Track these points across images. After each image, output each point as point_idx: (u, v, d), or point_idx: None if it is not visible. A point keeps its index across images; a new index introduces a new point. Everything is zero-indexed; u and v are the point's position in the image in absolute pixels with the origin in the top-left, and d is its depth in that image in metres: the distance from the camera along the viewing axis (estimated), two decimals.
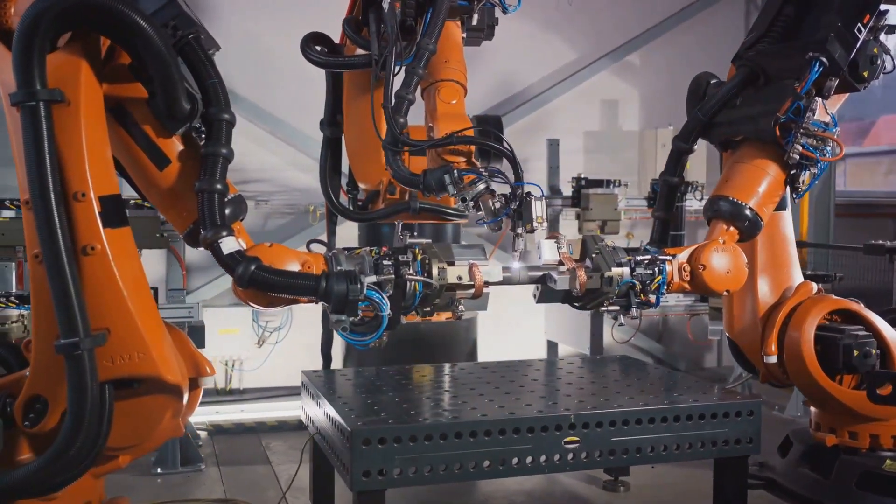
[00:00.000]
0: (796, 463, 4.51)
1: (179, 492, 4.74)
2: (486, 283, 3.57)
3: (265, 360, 6.82)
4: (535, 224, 3.50)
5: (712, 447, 3.63)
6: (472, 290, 3.50)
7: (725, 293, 3.87)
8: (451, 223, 5.53)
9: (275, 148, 6.94)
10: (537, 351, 6.83)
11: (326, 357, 5.63)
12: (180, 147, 3.20)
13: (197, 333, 5.33)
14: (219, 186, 3.10)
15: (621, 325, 3.90)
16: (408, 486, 3.94)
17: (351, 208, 5.36)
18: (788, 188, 4.14)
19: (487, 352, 6.38)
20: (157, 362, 2.97)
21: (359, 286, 3.10)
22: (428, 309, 3.54)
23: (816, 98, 3.86)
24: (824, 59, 3.74)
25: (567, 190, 6.64)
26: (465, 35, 4.31)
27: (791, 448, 4.58)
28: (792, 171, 4.00)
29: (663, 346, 7.99)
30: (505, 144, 3.65)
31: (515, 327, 7.04)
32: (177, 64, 2.97)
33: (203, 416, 6.27)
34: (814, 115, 3.85)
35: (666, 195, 4.41)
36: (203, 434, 5.92)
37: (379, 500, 3.26)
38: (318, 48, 4.51)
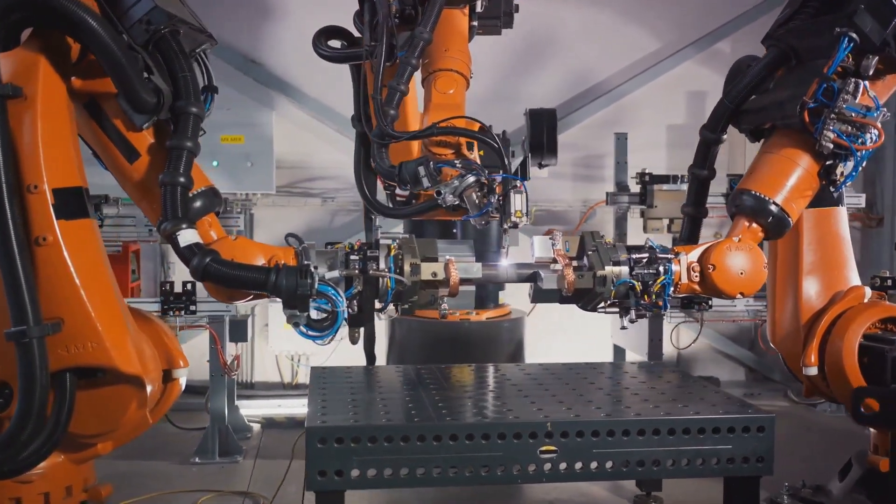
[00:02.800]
0: (853, 488, 4.07)
1: (208, 481, 4.82)
2: (465, 281, 3.42)
3: (330, 356, 6.85)
4: (513, 218, 3.32)
5: (714, 465, 3.30)
6: (448, 288, 3.35)
7: (739, 296, 3.51)
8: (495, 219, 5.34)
9: (342, 145, 6.95)
10: (603, 356, 6.51)
11: (370, 355, 5.59)
12: (151, 140, 3.24)
13: (239, 327, 5.44)
14: (181, 179, 3.12)
15: (623, 328, 3.59)
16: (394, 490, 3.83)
17: (390, 205, 5.30)
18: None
19: (550, 354, 6.17)
20: (111, 352, 3.00)
21: (309, 281, 3.02)
22: (406, 306, 3.42)
23: (854, 80, 3.44)
24: (853, 35, 3.32)
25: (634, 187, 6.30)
26: (475, 23, 4.16)
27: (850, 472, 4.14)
28: (827, 163, 3.58)
29: (755, 355, 7.44)
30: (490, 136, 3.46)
31: (583, 330, 6.74)
32: (130, 58, 2.99)
33: (263, 409, 6.40)
34: (853, 98, 3.44)
35: (695, 190, 4.08)
36: (256, 427, 6.02)
37: (337, 501, 3.16)
38: (340, 43, 4.48)
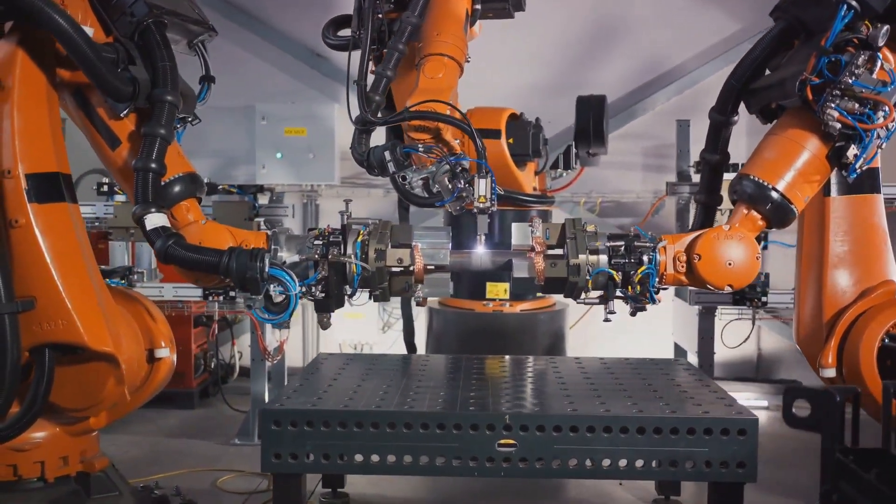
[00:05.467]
0: None
1: (240, 462, 4.96)
2: (433, 268, 3.35)
3: (392, 346, 6.93)
4: (477, 204, 3.22)
5: (689, 469, 3.08)
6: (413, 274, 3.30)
7: (728, 289, 3.26)
8: (535, 209, 5.21)
9: None
10: (662, 354, 6.21)
11: (409, 345, 5.60)
12: (131, 128, 3.37)
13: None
14: (153, 166, 3.22)
15: (606, 320, 3.41)
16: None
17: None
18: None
19: (614, 351, 5.94)
20: (80, 330, 3.14)
21: (258, 265, 3.05)
22: (378, 293, 3.39)
23: (868, 52, 3.11)
24: (852, 2, 3.01)
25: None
26: (478, 7, 4.07)
27: None
28: (836, 144, 3.26)
29: None
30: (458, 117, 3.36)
31: (649, 329, 6.45)
32: (96, 48, 3.10)
33: None
34: (868, 72, 3.12)
35: (708, 176, 3.82)
36: None
37: (295, 484, 3.19)
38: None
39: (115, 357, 3.24)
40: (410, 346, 5.61)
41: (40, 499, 3.43)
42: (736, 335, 6.31)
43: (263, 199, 5.86)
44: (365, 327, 6.83)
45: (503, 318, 5.17)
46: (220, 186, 5.42)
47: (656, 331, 6.30)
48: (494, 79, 6.79)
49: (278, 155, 6.42)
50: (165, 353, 3.52)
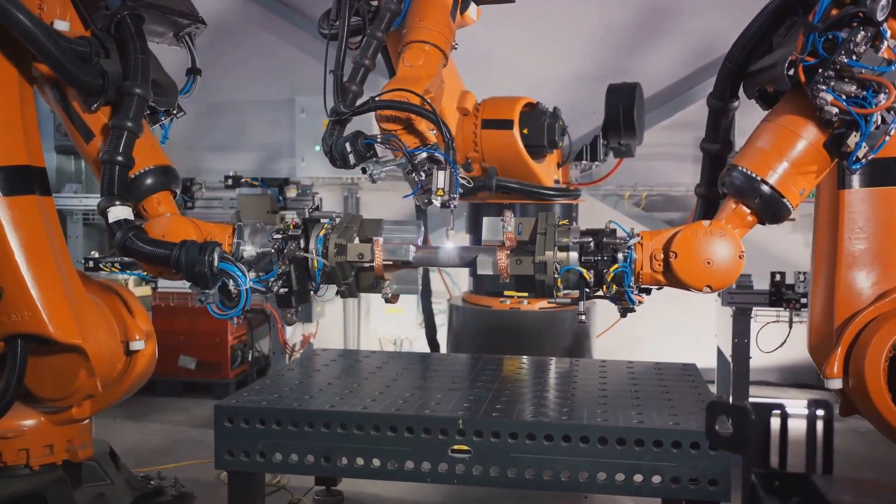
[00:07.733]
0: None
1: None
2: (394, 264, 3.22)
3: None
4: (434, 197, 3.07)
5: (655, 484, 2.84)
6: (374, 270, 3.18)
7: (706, 290, 2.99)
8: (558, 203, 5.00)
9: None
10: (705, 358, 5.85)
11: (432, 342, 5.49)
12: (105, 121, 3.37)
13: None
14: (120, 158, 3.22)
15: (580, 321, 3.20)
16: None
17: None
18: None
19: (655, 355, 5.68)
20: (45, 321, 3.17)
21: (207, 258, 3.00)
22: (343, 288, 3.29)
23: (871, 28, 2.80)
24: None
25: None
26: None
27: None
28: (836, 131, 2.95)
29: None
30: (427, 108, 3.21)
31: (690, 330, 6.13)
32: (59, 44, 3.10)
33: None
34: (874, 50, 2.81)
35: (709, 167, 3.53)
36: None
37: (249, 482, 3.12)
38: None
39: (83, 348, 3.26)
40: (433, 343, 5.50)
41: (25, 485, 3.50)
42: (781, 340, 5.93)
43: (292, 193, 5.86)
44: (404, 322, 6.76)
45: (520, 316, 4.98)
46: (244, 179, 5.43)
47: (702, 335, 5.97)
48: (538, 68, 6.59)
49: (317, 148, 6.42)
50: (140, 345, 3.53)
